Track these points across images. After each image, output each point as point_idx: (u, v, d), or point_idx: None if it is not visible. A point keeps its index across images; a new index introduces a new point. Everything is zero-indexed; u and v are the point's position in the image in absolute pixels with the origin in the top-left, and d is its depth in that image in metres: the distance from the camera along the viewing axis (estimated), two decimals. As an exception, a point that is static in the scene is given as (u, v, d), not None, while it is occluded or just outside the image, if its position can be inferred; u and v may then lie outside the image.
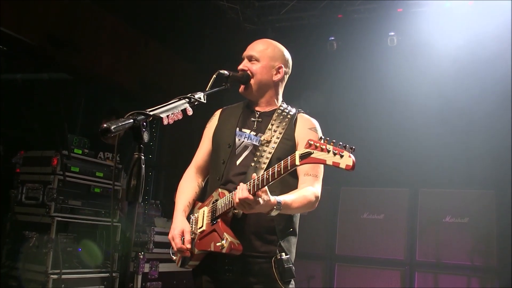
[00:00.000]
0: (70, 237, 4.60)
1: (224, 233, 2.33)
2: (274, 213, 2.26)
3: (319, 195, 2.48)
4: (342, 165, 1.98)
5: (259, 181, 2.19)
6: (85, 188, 4.80)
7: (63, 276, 4.35)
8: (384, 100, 6.85)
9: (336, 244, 6.71)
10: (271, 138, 2.54)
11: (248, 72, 2.62)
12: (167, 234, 2.59)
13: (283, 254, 2.44)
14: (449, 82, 6.42)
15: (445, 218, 6.13)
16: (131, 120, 1.85)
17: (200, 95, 2.29)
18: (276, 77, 2.66)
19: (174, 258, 2.61)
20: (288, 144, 2.52)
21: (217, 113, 2.83)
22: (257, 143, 2.55)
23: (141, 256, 5.00)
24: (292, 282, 2.47)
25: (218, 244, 2.33)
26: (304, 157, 2.06)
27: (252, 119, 2.65)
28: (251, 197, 2.17)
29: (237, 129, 2.63)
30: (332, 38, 7.08)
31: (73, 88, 6.76)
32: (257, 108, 2.68)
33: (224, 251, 2.30)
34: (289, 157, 2.13)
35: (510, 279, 5.59)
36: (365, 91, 7.07)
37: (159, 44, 7.48)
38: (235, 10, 7.29)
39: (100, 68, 6.53)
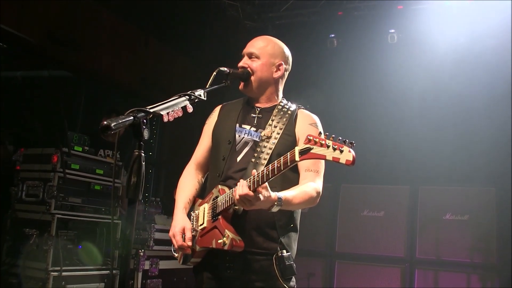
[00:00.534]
0: (71, 235, 4.60)
1: (226, 230, 2.32)
2: (275, 209, 2.26)
3: (321, 190, 2.48)
4: (342, 160, 1.97)
5: (259, 177, 2.18)
6: (85, 185, 4.79)
7: (64, 274, 4.34)
8: (384, 97, 6.85)
9: (336, 241, 6.70)
10: (271, 133, 2.53)
11: (248, 69, 2.61)
12: (167, 231, 2.59)
13: (284, 251, 2.44)
14: (449, 79, 6.42)
15: (445, 216, 6.13)
16: (131, 117, 1.85)
17: (200, 92, 2.29)
18: (276, 74, 2.66)
19: (176, 255, 2.61)
20: (288, 140, 2.52)
21: (217, 109, 2.82)
22: (257, 139, 2.55)
23: (142, 254, 5.01)
24: (293, 279, 2.47)
25: (219, 241, 2.32)
26: (304, 152, 2.05)
27: (252, 115, 2.65)
28: (251, 193, 2.17)
29: (237, 125, 2.62)
30: (332, 35, 7.08)
31: (73, 86, 6.76)
32: (257, 104, 2.68)
33: (225, 248, 2.30)
34: (288, 153, 2.12)
35: (510, 276, 5.59)
36: (365, 89, 7.07)
37: (159, 42, 7.47)
38: (235, 8, 7.29)
39: (100, 65, 6.53)
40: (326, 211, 6.71)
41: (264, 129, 2.56)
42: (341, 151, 1.97)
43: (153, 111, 1.97)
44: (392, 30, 6.71)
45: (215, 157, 2.65)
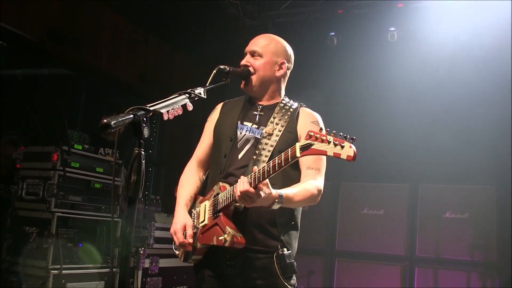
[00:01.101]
0: (71, 233, 4.59)
1: (227, 227, 2.32)
2: (275, 206, 2.25)
3: (322, 188, 2.47)
4: (343, 156, 1.96)
5: (260, 174, 2.18)
6: (85, 183, 4.79)
7: (64, 272, 4.34)
8: (384, 95, 6.85)
9: (336, 239, 6.71)
10: (273, 131, 2.53)
11: (250, 67, 2.61)
12: (167, 229, 2.60)
13: (285, 249, 2.44)
14: (449, 77, 6.42)
15: (445, 214, 6.13)
16: (131, 116, 1.85)
17: (200, 91, 2.29)
18: (278, 73, 2.65)
19: (177, 252, 2.61)
20: (290, 137, 2.51)
21: (219, 106, 2.82)
22: (258, 136, 2.54)
23: (142, 252, 5.01)
24: (294, 277, 2.47)
25: (220, 238, 2.32)
26: (305, 148, 2.04)
27: (254, 112, 2.64)
28: (252, 190, 2.16)
29: (239, 122, 2.62)
30: (333, 33, 7.07)
31: (73, 84, 6.75)
32: (259, 102, 2.68)
33: (226, 244, 2.29)
34: (289, 149, 2.11)
35: (510, 274, 5.59)
36: (365, 87, 7.06)
37: (159, 39, 7.46)
38: (235, 6, 7.28)
39: (100, 64, 6.52)
40: (326, 209, 6.71)
41: (265, 127, 2.56)
42: (342, 147, 1.97)
43: (153, 109, 1.97)
44: (392, 28, 6.71)
45: (216, 154, 2.65)
